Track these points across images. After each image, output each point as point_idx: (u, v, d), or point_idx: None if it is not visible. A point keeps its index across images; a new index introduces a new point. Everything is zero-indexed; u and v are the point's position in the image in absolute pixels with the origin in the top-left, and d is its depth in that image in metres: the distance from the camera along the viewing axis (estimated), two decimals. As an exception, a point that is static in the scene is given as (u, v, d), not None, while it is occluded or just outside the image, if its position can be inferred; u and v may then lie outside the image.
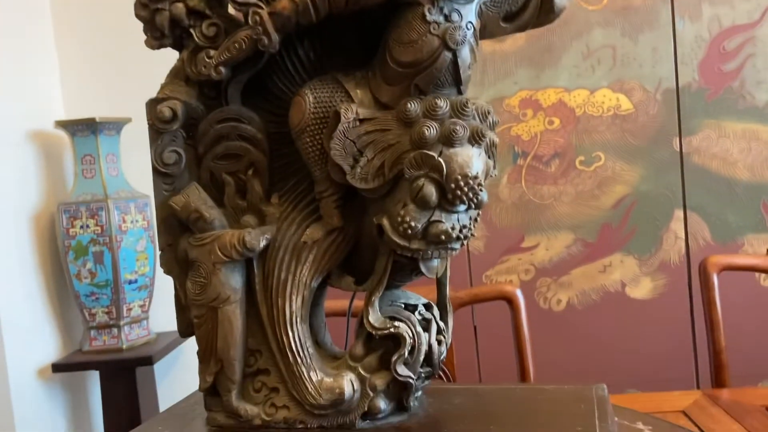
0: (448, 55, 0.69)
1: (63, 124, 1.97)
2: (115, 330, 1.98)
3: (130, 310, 1.99)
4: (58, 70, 2.18)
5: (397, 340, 0.76)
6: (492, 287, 1.56)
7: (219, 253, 0.76)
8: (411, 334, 0.76)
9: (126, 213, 1.96)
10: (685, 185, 2.12)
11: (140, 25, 0.77)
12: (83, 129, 1.96)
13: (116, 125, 2.00)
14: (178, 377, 2.20)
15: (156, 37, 0.77)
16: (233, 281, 0.77)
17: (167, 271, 0.81)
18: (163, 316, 2.09)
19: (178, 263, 0.80)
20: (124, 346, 1.97)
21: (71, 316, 2.09)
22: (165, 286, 0.86)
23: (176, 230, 0.80)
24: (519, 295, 1.47)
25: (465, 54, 0.70)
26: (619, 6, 2.10)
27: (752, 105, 2.11)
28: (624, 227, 2.14)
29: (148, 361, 1.91)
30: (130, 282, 1.97)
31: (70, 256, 1.93)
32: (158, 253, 0.82)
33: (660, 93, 2.11)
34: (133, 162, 2.05)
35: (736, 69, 2.10)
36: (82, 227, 1.93)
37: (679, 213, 2.12)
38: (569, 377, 2.04)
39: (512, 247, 2.16)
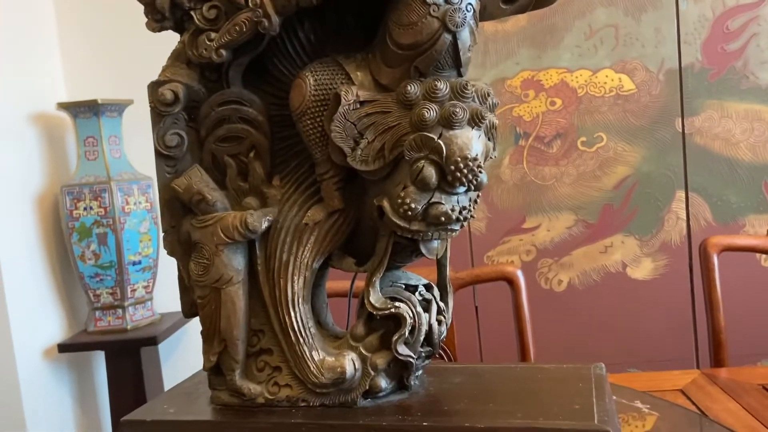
0: (447, 37, 0.69)
1: (65, 106, 1.98)
2: (119, 311, 2.00)
3: (134, 291, 2.01)
4: (60, 52, 2.18)
5: (397, 320, 0.77)
6: (493, 268, 1.57)
7: (221, 234, 0.77)
8: (411, 315, 0.77)
9: (129, 195, 1.97)
10: (687, 166, 2.12)
11: (141, 7, 0.77)
12: (85, 111, 1.96)
13: (118, 107, 2.00)
14: (182, 357, 2.23)
15: (157, 20, 0.77)
16: (236, 262, 0.78)
17: (170, 253, 0.82)
18: (167, 296, 2.10)
19: (181, 245, 0.81)
20: (129, 327, 1.99)
21: (76, 297, 2.11)
22: (169, 267, 0.87)
23: (179, 212, 0.80)
24: (520, 275, 1.48)
25: (465, 36, 0.69)
26: (622, -15, 2.09)
27: (755, 85, 2.10)
28: (625, 208, 2.14)
29: (153, 341, 1.93)
30: (134, 263, 1.99)
31: (74, 237, 1.95)
32: (161, 234, 0.83)
33: (662, 73, 2.10)
34: (135, 144, 2.06)
35: (739, 49, 2.09)
36: (85, 209, 1.94)
37: (681, 194, 2.13)
38: (569, 357, 2.06)
39: (514, 228, 2.17)
